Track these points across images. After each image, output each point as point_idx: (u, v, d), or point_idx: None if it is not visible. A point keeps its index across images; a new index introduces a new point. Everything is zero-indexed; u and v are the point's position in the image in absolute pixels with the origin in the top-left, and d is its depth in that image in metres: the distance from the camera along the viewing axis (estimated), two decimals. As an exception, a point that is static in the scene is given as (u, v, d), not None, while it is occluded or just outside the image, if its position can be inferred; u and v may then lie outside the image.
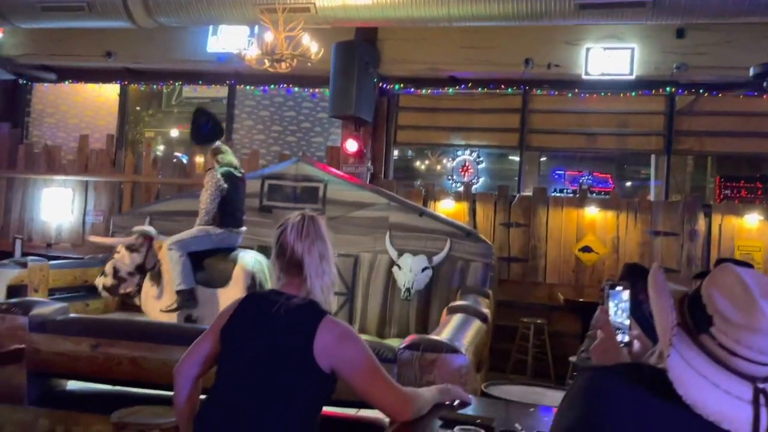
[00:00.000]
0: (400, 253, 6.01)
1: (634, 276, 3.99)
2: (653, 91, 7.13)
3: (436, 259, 5.94)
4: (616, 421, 1.12)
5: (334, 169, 6.93)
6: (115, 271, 5.34)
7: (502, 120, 7.65)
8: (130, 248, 5.37)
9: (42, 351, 3.16)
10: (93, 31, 7.66)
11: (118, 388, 3.32)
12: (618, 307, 1.50)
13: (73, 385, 3.45)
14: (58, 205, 8.40)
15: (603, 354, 1.46)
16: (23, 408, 3.21)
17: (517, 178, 7.70)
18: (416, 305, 6.02)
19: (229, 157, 5.33)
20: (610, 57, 6.92)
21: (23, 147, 8.61)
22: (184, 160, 8.62)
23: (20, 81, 8.77)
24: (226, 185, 5.14)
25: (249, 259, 5.31)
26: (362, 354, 1.86)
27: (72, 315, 3.67)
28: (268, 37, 5.09)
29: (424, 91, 7.69)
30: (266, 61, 5.22)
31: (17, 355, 2.79)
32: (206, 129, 5.25)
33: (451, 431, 1.67)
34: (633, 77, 6.89)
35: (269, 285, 5.05)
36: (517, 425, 1.75)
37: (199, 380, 2.02)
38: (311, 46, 5.23)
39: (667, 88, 7.08)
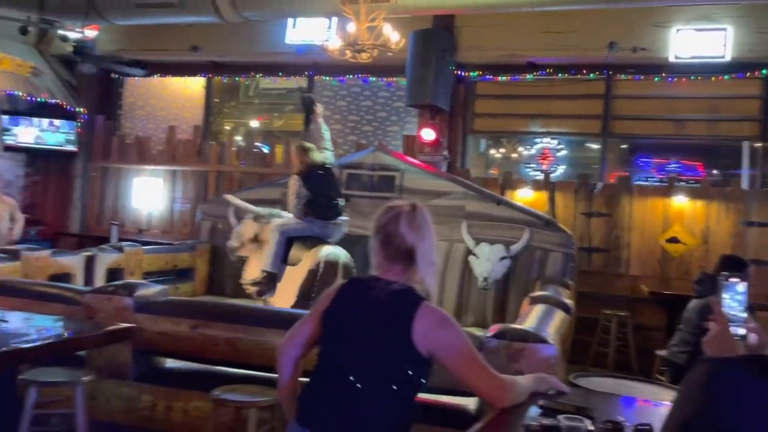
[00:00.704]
0: (477, 242, 5.99)
1: (730, 268, 3.83)
2: (747, 74, 6.75)
3: (515, 248, 5.89)
4: (737, 413, 1.10)
5: (410, 158, 6.96)
6: (239, 236, 5.76)
7: (584, 106, 7.44)
8: (255, 218, 5.75)
9: (146, 330, 3.36)
10: (180, 27, 7.98)
11: (214, 367, 3.50)
12: (733, 299, 1.46)
13: (171, 363, 3.66)
14: (148, 193, 8.86)
15: (717, 347, 1.42)
16: (128, 383, 3.44)
17: (598, 166, 7.50)
18: (493, 294, 5.99)
19: (314, 155, 5.49)
20: (701, 39, 6.59)
21: (116, 138, 9.12)
22: (265, 150, 8.87)
23: (113, 75, 9.25)
24: (306, 191, 5.35)
25: (326, 249, 5.48)
26: (461, 339, 1.89)
27: (172, 297, 3.89)
28: (350, 27, 5.16)
29: (501, 77, 7.58)
30: (347, 51, 5.29)
31: (127, 334, 3.00)
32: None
33: (554, 420, 1.67)
34: (726, 60, 6.54)
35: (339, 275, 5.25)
36: (619, 416, 1.73)
37: (300, 361, 2.11)
38: (392, 35, 5.27)
39: (764, 71, 6.68)
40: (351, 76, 8.26)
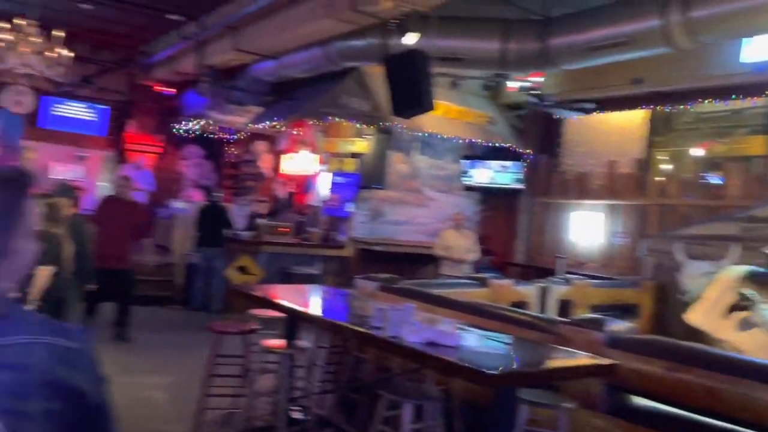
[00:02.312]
0: None
1: None
2: None
3: None
4: None
5: None
6: None
7: None
8: None
9: (617, 366, 3.40)
10: (621, 62, 8.01)
11: (687, 413, 3.32)
12: None
13: (640, 401, 3.61)
14: (585, 227, 9.10)
15: None
16: (600, 415, 3.53)
17: None
18: None
19: None
20: None
21: (556, 175, 9.67)
22: (715, 181, 8.14)
23: (554, 116, 9.87)
24: None
25: None
26: None
27: (642, 335, 3.87)
28: None
29: None
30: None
31: (608, 370, 3.10)
32: None
33: None
34: None
35: None
36: None
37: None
38: None
39: None
40: (831, 89, 6.95)
